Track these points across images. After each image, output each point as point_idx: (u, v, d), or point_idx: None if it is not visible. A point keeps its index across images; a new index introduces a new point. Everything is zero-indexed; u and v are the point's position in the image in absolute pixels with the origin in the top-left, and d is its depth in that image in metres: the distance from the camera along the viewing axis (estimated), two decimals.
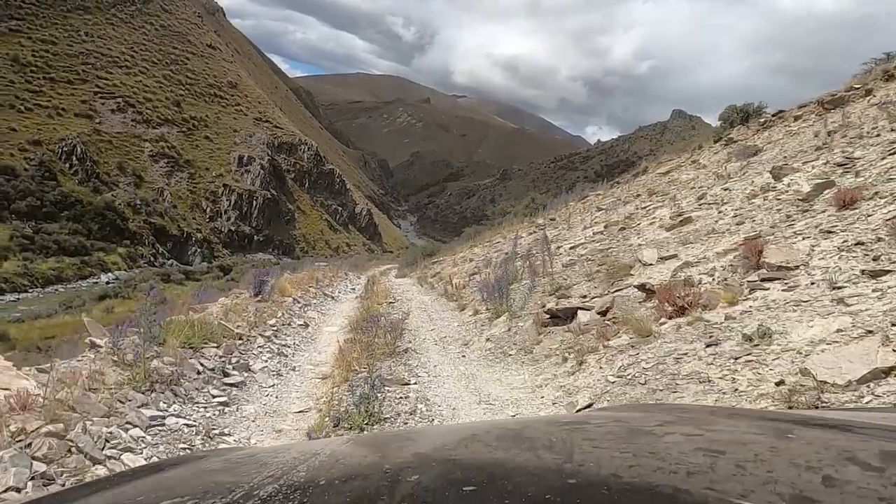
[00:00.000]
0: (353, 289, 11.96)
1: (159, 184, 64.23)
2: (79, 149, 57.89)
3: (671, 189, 9.83)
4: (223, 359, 4.31)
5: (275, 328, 6.11)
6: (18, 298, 43.84)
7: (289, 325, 6.56)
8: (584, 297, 5.02)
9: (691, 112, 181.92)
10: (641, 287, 4.17)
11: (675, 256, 4.87)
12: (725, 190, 7.47)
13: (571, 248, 8.11)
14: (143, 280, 45.32)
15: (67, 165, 57.61)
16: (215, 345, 4.44)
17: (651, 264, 4.86)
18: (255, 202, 70.06)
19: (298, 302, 8.05)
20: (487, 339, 4.79)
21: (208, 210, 66.45)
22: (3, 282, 44.91)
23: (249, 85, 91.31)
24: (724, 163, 9.53)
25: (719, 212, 6.59)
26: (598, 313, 4.16)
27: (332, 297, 9.86)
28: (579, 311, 4.36)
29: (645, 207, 9.05)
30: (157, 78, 73.12)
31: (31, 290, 46.60)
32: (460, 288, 8.19)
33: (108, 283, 50.18)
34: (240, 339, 5.05)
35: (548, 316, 4.67)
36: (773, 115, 10.11)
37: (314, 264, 14.74)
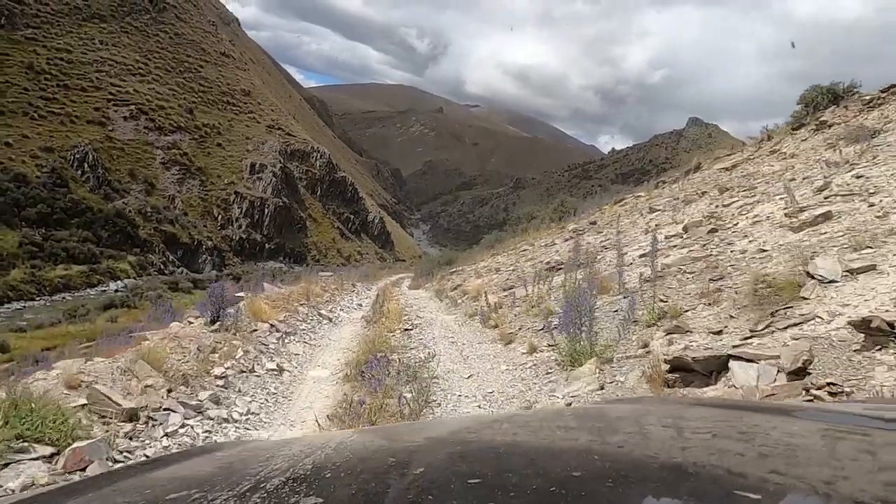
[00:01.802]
0: (360, 304, 9.98)
1: (171, 191, 63.68)
2: (91, 156, 57.53)
3: (755, 183, 7.90)
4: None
5: (222, 381, 3.91)
6: (25, 306, 43.20)
7: (251, 371, 4.36)
8: (719, 333, 3.15)
9: (706, 121, 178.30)
10: (863, 325, 2.30)
11: (872, 268, 3.00)
12: (859, 178, 5.55)
13: (641, 256, 6.21)
14: (151, 288, 44.29)
15: (79, 172, 57.28)
16: (52, 449, 2.21)
17: (834, 281, 3.00)
18: (266, 210, 69.18)
19: (277, 330, 5.89)
20: (568, 406, 2.94)
21: (219, 218, 65.68)
22: (10, 290, 44.33)
23: (263, 93, 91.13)
24: (827, 148, 7.59)
25: (871, 204, 4.68)
26: (791, 373, 2.29)
27: (330, 320, 7.77)
28: (735, 364, 2.49)
29: (729, 205, 7.14)
30: (170, 85, 72.99)
31: (37, 298, 45.99)
32: (496, 307, 6.27)
33: (116, 291, 49.38)
34: (131, 419, 2.85)
35: (667, 366, 2.81)
36: (882, 92, 8.18)
37: (318, 274, 12.90)
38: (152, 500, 0.59)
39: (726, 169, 10.71)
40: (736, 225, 5.79)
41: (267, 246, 67.51)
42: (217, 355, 4.44)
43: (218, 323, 5.06)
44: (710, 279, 4.07)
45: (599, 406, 1.39)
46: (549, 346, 4.26)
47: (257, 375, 4.49)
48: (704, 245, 5.33)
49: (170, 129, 67.77)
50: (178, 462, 0.79)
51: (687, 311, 3.72)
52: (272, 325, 6.02)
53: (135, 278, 53.60)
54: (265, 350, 5.23)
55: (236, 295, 5.62)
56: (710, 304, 3.64)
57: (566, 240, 12.18)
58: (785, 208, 5.55)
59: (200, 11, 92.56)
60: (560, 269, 7.88)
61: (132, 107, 65.93)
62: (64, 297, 47.70)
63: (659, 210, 9.97)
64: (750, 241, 4.89)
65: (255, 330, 5.62)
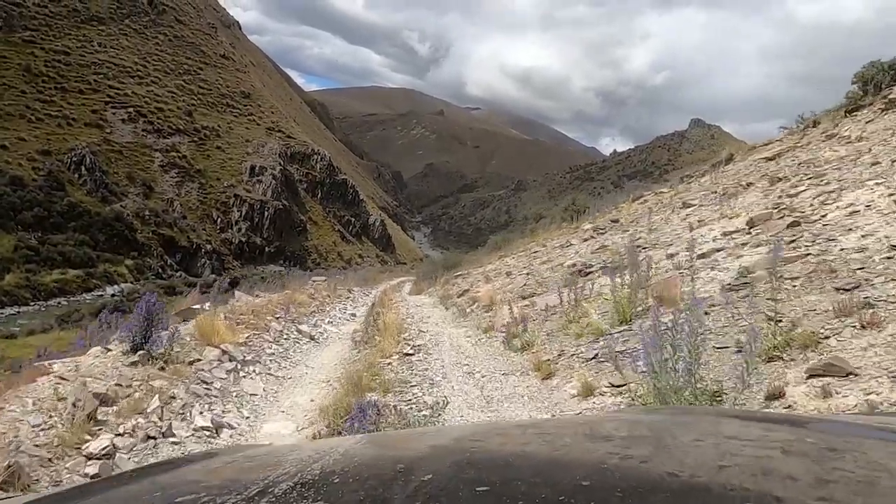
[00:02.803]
0: (354, 314, 8.58)
1: (169, 194, 62.75)
2: (88, 159, 56.66)
3: (820, 170, 6.72)
4: None
5: (98, 465, 2.36)
6: (19, 312, 42.44)
7: (164, 435, 2.75)
8: None
9: (708, 122, 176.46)
10: None
11: None
12: None
13: (700, 257, 5.03)
14: (147, 293, 43.34)
15: (76, 175, 56.40)
16: None
17: None
18: (266, 213, 68.20)
19: (231, 358, 4.36)
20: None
21: (219, 221, 64.73)
22: (4, 295, 43.51)
23: (263, 95, 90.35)
24: None
25: None
26: None
27: (312, 338, 6.23)
28: None
29: (795, 195, 5.98)
30: (169, 88, 72.20)
31: (32, 303, 45.18)
32: (521, 321, 5.01)
33: (113, 295, 48.43)
34: None
35: None
36: None
37: (310, 279, 11.67)
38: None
39: (768, 159, 9.56)
40: (824, 216, 4.61)
41: (267, 249, 66.50)
42: (114, 409, 2.79)
43: (145, 349, 3.71)
44: (837, 288, 2.90)
45: (632, 414, 1.25)
46: (613, 385, 3.03)
47: (174, 441, 2.83)
48: (792, 242, 4.15)
49: (169, 132, 66.91)
50: (187, 465, 0.79)
51: (827, 336, 2.54)
52: (224, 352, 4.49)
53: (132, 282, 52.74)
54: (204, 392, 3.65)
55: (192, 307, 4.36)
56: (865, 327, 2.46)
57: (585, 240, 11.03)
58: (890, 194, 4.35)
59: (200, 14, 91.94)
60: (589, 272, 6.69)
61: (131, 109, 65.14)
62: (59, 302, 46.96)
63: (695, 205, 8.82)
64: (863, 237, 3.72)
65: (198, 360, 4.12)
